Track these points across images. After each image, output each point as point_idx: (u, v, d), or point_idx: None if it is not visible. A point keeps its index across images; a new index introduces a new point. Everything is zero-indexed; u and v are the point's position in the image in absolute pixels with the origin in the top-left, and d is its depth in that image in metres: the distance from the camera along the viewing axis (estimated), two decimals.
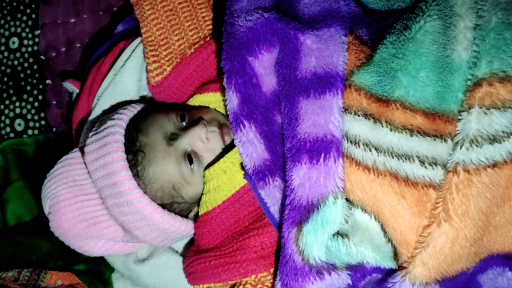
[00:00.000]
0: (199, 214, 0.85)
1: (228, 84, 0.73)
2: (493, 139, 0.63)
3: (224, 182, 0.82)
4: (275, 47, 0.71)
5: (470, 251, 0.67)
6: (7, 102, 1.19)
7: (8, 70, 1.19)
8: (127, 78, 0.95)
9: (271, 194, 0.76)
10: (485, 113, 0.63)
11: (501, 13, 0.62)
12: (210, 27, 0.90)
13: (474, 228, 0.65)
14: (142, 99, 0.99)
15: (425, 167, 0.67)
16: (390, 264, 0.73)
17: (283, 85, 0.70)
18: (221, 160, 0.82)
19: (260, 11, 0.71)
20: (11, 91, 1.19)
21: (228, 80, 0.73)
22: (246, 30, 0.71)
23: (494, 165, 0.63)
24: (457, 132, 0.65)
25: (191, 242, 0.95)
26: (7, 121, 1.19)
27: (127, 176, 0.79)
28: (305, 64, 0.69)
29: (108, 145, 0.80)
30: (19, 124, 1.19)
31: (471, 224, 0.65)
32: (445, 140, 0.66)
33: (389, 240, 0.71)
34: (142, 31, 0.92)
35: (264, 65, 0.73)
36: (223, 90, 0.86)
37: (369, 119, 0.69)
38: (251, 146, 0.74)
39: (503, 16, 0.62)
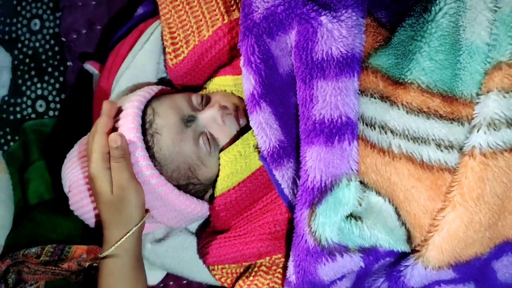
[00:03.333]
0: (215, 195, 0.87)
1: (245, 65, 0.74)
2: (511, 123, 0.63)
3: (239, 164, 0.83)
4: (293, 28, 0.72)
5: (484, 235, 0.68)
6: (28, 83, 1.22)
7: (30, 52, 1.22)
8: (145, 60, 0.96)
9: (285, 176, 0.77)
10: (504, 96, 0.64)
11: None
12: (227, 9, 0.91)
13: (489, 212, 0.66)
14: (160, 81, 1.00)
15: (441, 150, 0.68)
16: (403, 247, 0.74)
17: (299, 67, 0.71)
18: (237, 142, 0.83)
19: None
20: (33, 73, 1.22)
21: (244, 62, 0.73)
22: (264, 12, 0.71)
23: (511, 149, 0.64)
24: (474, 115, 0.66)
25: (206, 224, 0.97)
26: (29, 102, 1.22)
27: (143, 157, 0.81)
28: (322, 45, 0.69)
29: (123, 126, 0.82)
30: (41, 106, 1.22)
31: (486, 208, 0.66)
32: (462, 124, 0.67)
33: (403, 224, 0.72)
34: (161, 13, 0.93)
35: (280, 47, 0.74)
36: (239, 73, 0.87)
37: (385, 102, 0.70)
38: (266, 128, 0.75)
39: None
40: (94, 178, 0.78)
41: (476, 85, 0.67)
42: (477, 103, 0.66)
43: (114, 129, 0.83)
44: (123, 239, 0.79)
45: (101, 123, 0.79)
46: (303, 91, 0.71)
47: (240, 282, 0.86)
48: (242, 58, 0.74)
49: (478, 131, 0.65)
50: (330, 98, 0.69)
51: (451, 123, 0.67)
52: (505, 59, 0.64)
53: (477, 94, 0.67)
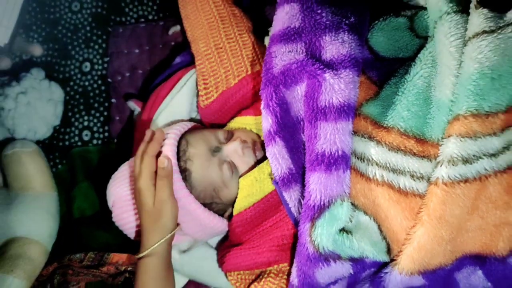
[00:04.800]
0: (233, 214, 0.99)
1: (264, 108, 0.85)
2: (466, 161, 0.76)
3: (255, 187, 0.95)
4: (303, 81, 0.85)
5: (446, 248, 0.81)
6: (77, 116, 1.31)
7: (80, 89, 1.31)
8: (182, 101, 1.10)
9: (292, 197, 0.89)
10: (461, 140, 0.76)
11: (478, 65, 0.76)
12: (251, 63, 1.04)
13: (449, 229, 0.79)
14: (191, 119, 1.13)
15: (414, 180, 0.81)
16: (384, 257, 0.86)
17: (307, 111, 0.84)
18: (254, 170, 0.96)
19: (293, 54, 0.86)
20: (81, 107, 1.31)
21: (264, 105, 0.85)
22: (281, 68, 0.85)
23: (466, 180, 0.77)
24: (439, 154, 0.79)
25: (224, 239, 1.09)
26: (76, 132, 1.30)
27: (178, 179, 0.92)
28: (325, 96, 0.81)
29: (164, 154, 0.93)
30: (86, 135, 1.30)
31: (446, 226, 0.78)
32: (430, 160, 0.80)
33: (384, 238, 0.85)
34: (197, 63, 1.07)
35: (293, 95, 0.87)
36: (257, 115, 1.02)
37: (372, 141, 0.83)
38: (279, 158, 0.87)
39: (478, 67, 0.76)
40: (141, 191, 0.90)
41: (441, 131, 0.79)
42: (441, 144, 0.78)
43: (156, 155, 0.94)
44: (158, 243, 0.90)
45: (152, 148, 0.92)
46: (309, 130, 0.83)
47: (252, 286, 0.96)
48: (262, 102, 0.86)
49: (441, 166, 0.77)
50: (330, 136, 0.80)
51: (422, 159, 0.80)
52: (462, 112, 0.75)
53: (442, 138, 0.79)
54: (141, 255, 0.92)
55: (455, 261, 0.84)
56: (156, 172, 0.91)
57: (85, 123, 1.32)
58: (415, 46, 0.92)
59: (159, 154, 0.95)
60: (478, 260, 0.84)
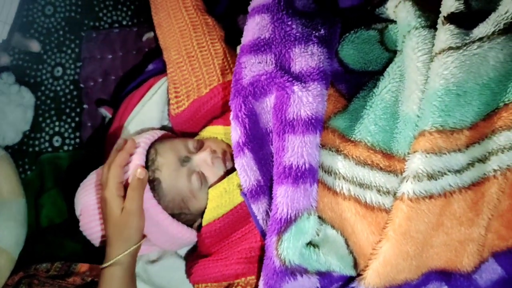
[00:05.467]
0: (202, 224, 0.98)
1: (233, 119, 0.85)
2: (431, 177, 0.76)
3: (224, 198, 0.94)
4: (272, 93, 0.85)
5: (411, 264, 0.81)
6: (48, 121, 1.28)
7: (51, 95, 1.29)
8: (153, 109, 1.09)
9: (260, 209, 0.89)
10: (426, 156, 0.75)
11: (443, 82, 0.76)
12: (223, 72, 1.04)
13: (414, 245, 0.79)
14: (163, 127, 1.12)
15: (380, 194, 0.81)
16: (351, 272, 0.86)
17: (275, 123, 0.84)
18: (223, 181, 0.95)
19: (262, 65, 0.86)
20: (52, 112, 1.28)
21: (233, 116, 0.85)
22: (251, 79, 0.85)
23: (431, 196, 0.77)
24: (405, 169, 0.79)
25: (193, 249, 1.08)
26: (47, 138, 1.28)
27: (146, 189, 0.90)
28: (293, 108, 0.81)
29: (132, 163, 0.93)
30: (57, 141, 1.28)
31: (411, 241, 0.78)
32: (396, 175, 0.81)
33: (351, 252, 0.85)
34: (168, 71, 1.06)
35: (262, 106, 0.87)
36: (227, 125, 1.01)
37: (340, 154, 0.83)
38: (248, 169, 0.87)
39: (444, 83, 0.76)
40: (107, 200, 0.89)
41: (407, 146, 0.79)
42: (407, 160, 0.78)
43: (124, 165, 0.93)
44: (122, 255, 0.89)
45: (121, 157, 0.91)
46: (277, 142, 0.83)
47: None
48: (231, 113, 0.86)
49: (407, 181, 0.76)
50: (297, 149, 0.80)
51: (389, 174, 0.80)
52: (428, 128, 0.75)
53: (408, 153, 0.79)
54: (105, 265, 0.91)
55: (421, 276, 0.84)
56: (123, 182, 0.90)
57: (56, 129, 1.30)
58: (385, 59, 0.93)
59: (129, 163, 0.94)
60: (444, 275, 0.84)
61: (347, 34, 0.96)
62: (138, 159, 0.94)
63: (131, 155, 0.94)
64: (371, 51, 0.94)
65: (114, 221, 0.90)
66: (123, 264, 0.91)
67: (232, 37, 1.10)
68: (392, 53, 0.92)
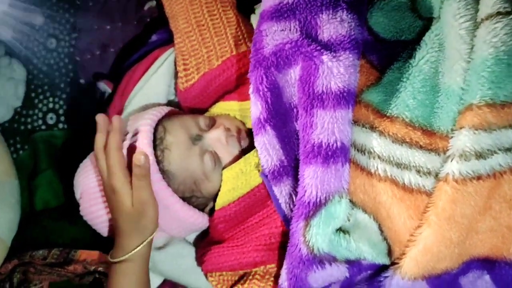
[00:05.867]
0: (216, 209, 0.92)
1: (254, 92, 0.80)
2: (479, 155, 0.71)
3: (240, 180, 0.89)
4: (297, 64, 0.79)
5: (454, 252, 0.76)
6: (41, 97, 1.23)
7: (44, 68, 1.23)
8: (158, 83, 1.03)
9: (283, 191, 0.83)
10: (474, 133, 0.71)
11: (492, 50, 0.71)
12: (236, 43, 0.98)
13: (459, 231, 0.74)
14: (169, 103, 1.06)
15: (420, 176, 0.75)
16: (384, 260, 0.81)
17: (302, 97, 0.78)
18: (240, 161, 0.89)
19: (286, 33, 0.79)
20: (46, 88, 1.23)
21: (253, 89, 0.80)
22: (273, 48, 0.79)
23: (479, 177, 0.72)
24: (449, 147, 0.74)
25: (203, 234, 1.02)
26: (40, 115, 1.23)
27: (154, 170, 0.86)
28: (322, 80, 0.76)
29: (138, 141, 0.87)
30: (51, 118, 1.24)
31: (456, 227, 0.73)
32: (438, 154, 0.75)
33: (385, 239, 0.80)
34: (176, 41, 1.00)
35: (285, 78, 0.81)
36: (242, 100, 0.96)
37: (374, 131, 0.78)
38: (270, 148, 0.81)
39: (493, 52, 0.71)
40: (117, 190, 0.82)
41: (451, 122, 0.74)
42: (452, 137, 0.73)
43: (129, 143, 0.88)
44: (140, 247, 0.84)
45: (115, 139, 0.83)
46: (305, 118, 0.77)
47: None
48: (251, 86, 0.80)
49: (452, 160, 0.72)
50: (327, 125, 0.75)
51: (429, 153, 0.75)
52: (476, 101, 0.71)
53: (452, 130, 0.74)
54: (122, 258, 0.86)
55: (462, 265, 0.79)
56: (130, 168, 0.83)
57: (50, 105, 1.24)
58: (418, 28, 0.86)
59: (134, 142, 0.88)
60: (487, 264, 0.79)
61: (375, 1, 0.89)
62: (145, 137, 0.88)
63: (135, 133, 0.88)
64: (402, 19, 0.87)
65: (127, 213, 0.84)
66: (139, 257, 0.86)
67: (245, 5, 1.05)
68: (426, 21, 0.85)
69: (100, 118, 0.86)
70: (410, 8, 0.88)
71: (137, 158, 0.81)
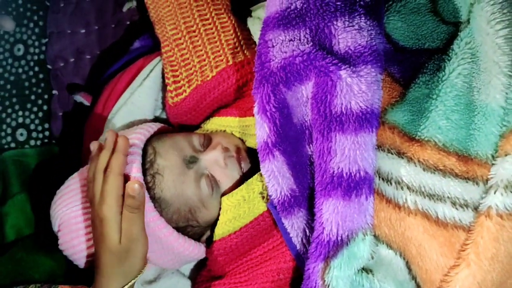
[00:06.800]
0: (214, 239, 0.85)
1: (259, 113, 0.73)
2: None
3: (243, 209, 0.82)
4: (310, 80, 0.71)
5: None
6: (9, 110, 1.16)
7: (12, 78, 1.16)
8: (144, 97, 0.96)
9: (294, 225, 0.77)
10: None
11: None
12: (233, 51, 0.91)
13: (502, 271, 0.67)
14: (156, 119, 0.99)
15: (456, 208, 0.68)
16: None
17: (317, 119, 0.71)
18: (241, 187, 0.82)
19: (295, 43, 0.72)
20: (14, 100, 1.16)
21: (259, 109, 0.73)
22: (282, 62, 0.71)
23: None
24: (490, 177, 0.67)
25: (199, 265, 0.96)
26: (9, 131, 1.16)
27: None
28: (341, 99, 0.69)
29: (126, 166, 0.79)
30: (21, 134, 1.17)
31: (499, 268, 0.66)
32: (477, 183, 0.68)
33: (413, 278, 0.72)
34: (163, 50, 0.92)
35: (296, 97, 0.73)
36: (242, 116, 0.89)
37: (402, 158, 0.70)
38: (279, 176, 0.74)
39: None
40: (105, 221, 0.74)
41: (491, 146, 0.68)
42: (493, 164, 0.67)
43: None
44: None
45: (118, 163, 0.76)
46: (321, 143, 0.70)
47: None
48: (256, 105, 0.73)
49: (495, 192, 0.65)
50: (349, 152, 0.68)
51: (466, 182, 0.68)
52: None
53: (493, 156, 0.67)
54: None
55: None
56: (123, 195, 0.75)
57: (20, 120, 1.17)
58: (443, 34, 0.78)
59: None
60: None
61: (391, 2, 0.82)
62: (132, 161, 0.80)
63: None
64: (423, 23, 0.80)
65: (112, 250, 0.75)
66: None
67: (239, 7, 0.97)
68: (451, 25, 0.78)
69: (110, 134, 0.79)
70: (431, 11, 0.81)
71: (131, 187, 0.74)
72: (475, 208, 0.68)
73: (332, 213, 0.69)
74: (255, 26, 0.90)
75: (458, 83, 0.70)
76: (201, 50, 0.90)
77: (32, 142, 1.17)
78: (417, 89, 0.73)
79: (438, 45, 0.78)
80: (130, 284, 0.76)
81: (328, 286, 0.70)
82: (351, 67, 0.69)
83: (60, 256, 0.91)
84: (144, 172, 0.80)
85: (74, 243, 0.85)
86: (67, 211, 0.85)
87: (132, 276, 0.76)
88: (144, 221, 0.77)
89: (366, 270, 0.73)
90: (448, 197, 0.69)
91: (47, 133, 1.17)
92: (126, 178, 0.77)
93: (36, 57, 1.18)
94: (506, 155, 0.65)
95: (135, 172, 0.78)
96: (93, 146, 0.79)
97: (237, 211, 0.82)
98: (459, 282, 0.68)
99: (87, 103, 1.05)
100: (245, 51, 0.91)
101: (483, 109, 0.69)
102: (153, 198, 0.80)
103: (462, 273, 0.67)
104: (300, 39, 0.72)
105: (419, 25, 0.80)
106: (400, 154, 0.71)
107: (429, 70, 0.74)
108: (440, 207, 0.69)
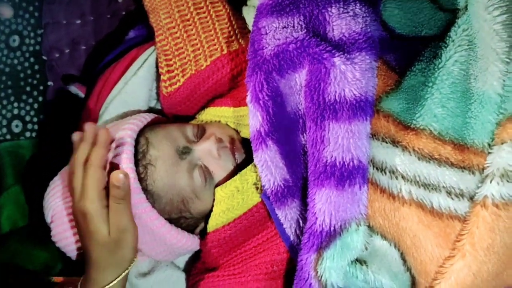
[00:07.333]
0: (208, 231, 0.84)
1: (252, 102, 0.72)
2: None
3: (236, 200, 0.81)
4: (304, 67, 0.70)
5: (490, 285, 0.68)
6: (4, 102, 1.15)
7: (7, 69, 1.15)
8: (138, 87, 0.95)
9: (288, 215, 0.75)
10: None
11: None
12: (227, 40, 0.89)
13: (498, 262, 0.65)
14: (150, 110, 0.98)
15: (452, 198, 0.67)
16: None
17: (310, 107, 0.70)
18: (235, 178, 0.81)
19: (289, 30, 0.71)
20: (10, 91, 1.15)
21: (252, 98, 0.72)
22: (275, 49, 0.70)
23: None
24: (486, 165, 0.65)
25: (193, 257, 0.95)
26: (4, 122, 1.15)
27: (136, 189, 0.77)
28: (335, 87, 0.68)
29: (117, 157, 0.79)
30: (17, 126, 1.16)
31: (495, 259, 0.65)
32: (473, 172, 0.66)
33: (408, 269, 0.71)
34: (157, 39, 0.92)
35: (289, 85, 0.72)
36: (236, 106, 0.88)
37: (397, 146, 0.69)
38: (272, 166, 0.73)
39: None
40: (90, 216, 0.72)
41: (487, 134, 0.66)
42: (489, 153, 0.65)
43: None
44: (114, 282, 0.75)
45: (98, 155, 0.74)
46: (314, 132, 0.69)
47: None
48: (249, 94, 0.72)
49: (491, 181, 0.64)
50: (342, 141, 0.67)
51: (462, 171, 0.66)
52: None
53: (489, 144, 0.66)
54: None
55: None
56: (106, 188, 0.74)
57: (15, 111, 1.16)
58: (440, 21, 0.77)
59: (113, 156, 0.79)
60: None
61: None
62: (125, 151, 0.79)
63: (117, 146, 0.80)
64: (420, 10, 0.79)
65: (102, 243, 0.74)
66: None
67: None
68: (448, 13, 0.77)
69: (88, 127, 0.77)
70: None
71: (116, 177, 0.72)
72: (471, 198, 0.66)
73: (325, 203, 0.68)
74: (250, 15, 0.89)
75: (454, 71, 0.68)
76: (195, 39, 0.90)
77: (27, 134, 1.16)
78: (413, 77, 0.71)
79: (435, 32, 0.77)
80: (123, 275, 0.75)
81: (321, 277, 0.69)
82: (345, 54, 0.68)
83: (54, 248, 0.89)
84: (137, 163, 0.79)
85: (67, 234, 0.84)
86: (60, 202, 0.84)
87: (124, 267, 0.75)
88: (132, 211, 0.76)
89: (360, 261, 0.72)
90: (443, 186, 0.67)
91: (42, 124, 1.16)
92: (117, 169, 0.76)
93: (31, 48, 1.17)
94: (502, 143, 0.64)
95: (128, 163, 0.77)
96: (75, 137, 0.77)
97: (230, 202, 0.81)
98: (454, 273, 0.66)
99: (82, 94, 1.04)
100: (240, 40, 0.90)
101: (480, 97, 0.67)
102: (145, 189, 0.79)
103: (457, 264, 0.66)
104: (293, 26, 0.71)
105: (416, 12, 0.79)
106: (395, 142, 0.69)
107: (425, 58, 0.72)
108: (435, 196, 0.67)
